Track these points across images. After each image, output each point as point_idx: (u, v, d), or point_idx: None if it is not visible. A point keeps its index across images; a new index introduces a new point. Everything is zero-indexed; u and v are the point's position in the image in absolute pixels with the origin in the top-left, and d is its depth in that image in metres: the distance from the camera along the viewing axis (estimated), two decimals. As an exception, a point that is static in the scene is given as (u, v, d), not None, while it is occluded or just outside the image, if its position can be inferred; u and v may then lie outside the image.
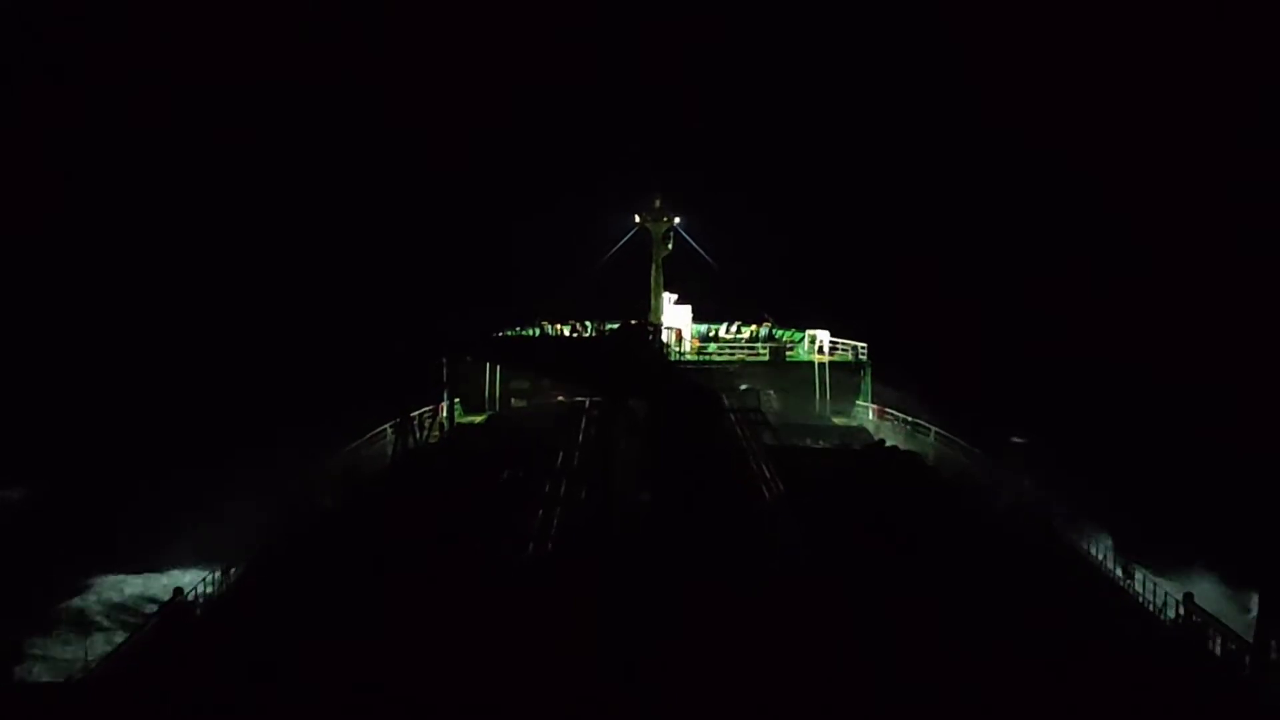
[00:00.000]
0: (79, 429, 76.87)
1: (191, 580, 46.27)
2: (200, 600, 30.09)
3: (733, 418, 49.47)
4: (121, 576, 53.33)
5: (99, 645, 30.45)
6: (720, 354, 65.37)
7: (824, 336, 64.72)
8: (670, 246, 66.56)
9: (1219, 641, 27.46)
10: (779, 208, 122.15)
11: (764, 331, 67.91)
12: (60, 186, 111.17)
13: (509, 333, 62.09)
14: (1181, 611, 29.15)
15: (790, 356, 64.56)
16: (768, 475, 41.15)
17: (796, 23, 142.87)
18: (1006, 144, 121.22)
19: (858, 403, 61.92)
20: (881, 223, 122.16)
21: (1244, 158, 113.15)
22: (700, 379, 56.30)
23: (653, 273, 66.49)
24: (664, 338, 60.71)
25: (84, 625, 45.53)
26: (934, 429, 53.62)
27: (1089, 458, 68.93)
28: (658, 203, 66.27)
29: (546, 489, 39.06)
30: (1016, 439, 50.39)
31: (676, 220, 66.55)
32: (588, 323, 65.40)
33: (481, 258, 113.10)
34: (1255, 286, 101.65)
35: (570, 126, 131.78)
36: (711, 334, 68.38)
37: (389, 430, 48.86)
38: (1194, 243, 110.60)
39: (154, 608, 39.33)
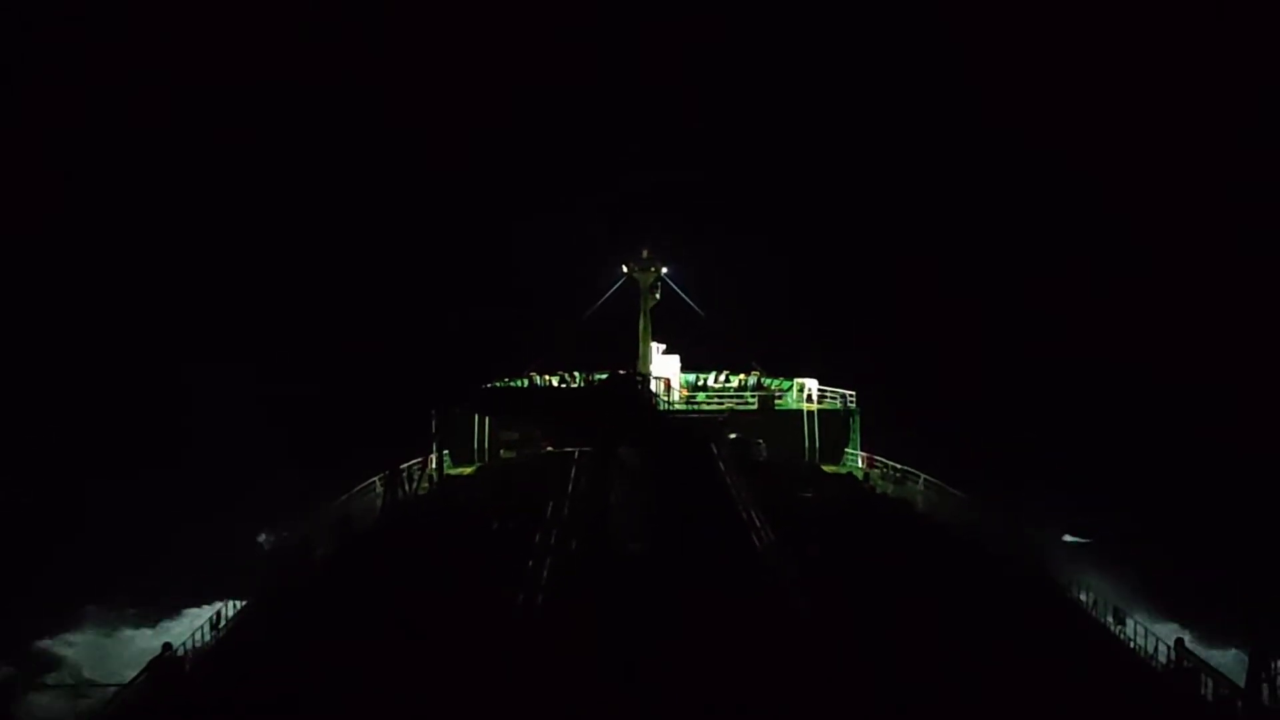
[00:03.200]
0: (66, 446, 76.76)
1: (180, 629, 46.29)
2: (189, 654, 29.93)
3: (721, 466, 49.53)
4: (110, 623, 53.41)
5: (88, 696, 30.24)
6: (709, 403, 65.40)
7: (812, 385, 64.77)
8: (658, 296, 66.65)
9: (1211, 686, 27.45)
10: (772, 231, 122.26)
11: (752, 380, 67.96)
12: (60, 186, 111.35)
13: (498, 384, 62.10)
14: (1173, 657, 29.15)
15: (779, 405, 64.59)
16: (757, 523, 41.16)
17: (796, 23, 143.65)
18: (1006, 144, 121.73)
19: (847, 450, 61.93)
20: (879, 227, 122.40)
21: (1244, 158, 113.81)
22: (689, 428, 56.55)
23: (641, 322, 66.55)
24: (653, 387, 60.80)
25: (73, 674, 45.41)
26: (923, 476, 53.65)
27: (1088, 465, 69.30)
28: (645, 252, 66.41)
29: (537, 539, 39.00)
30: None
31: (664, 270, 66.70)
32: (576, 373, 65.44)
33: (481, 260, 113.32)
34: (1255, 286, 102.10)
35: (570, 127, 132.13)
36: (700, 383, 68.41)
37: (377, 483, 48.76)
38: (1194, 243, 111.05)
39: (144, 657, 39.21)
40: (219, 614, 33.59)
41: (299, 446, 71.43)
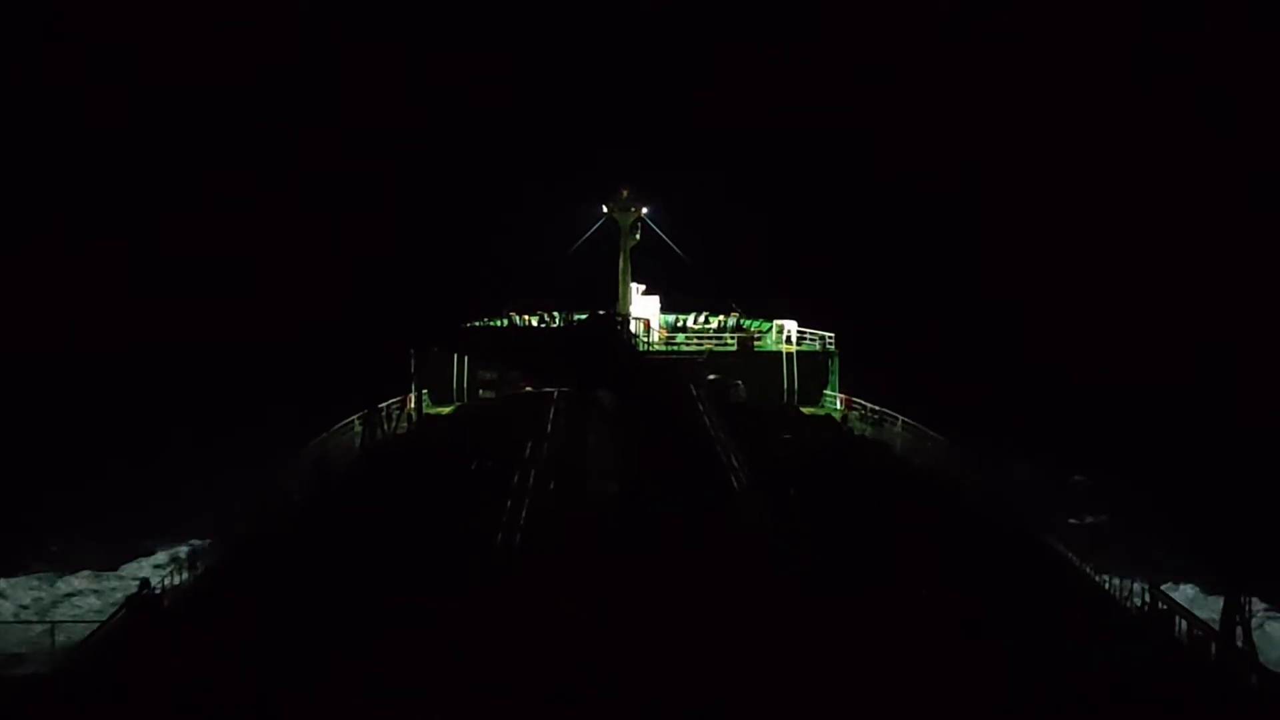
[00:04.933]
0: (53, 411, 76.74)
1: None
2: (168, 591, 29.83)
3: (700, 407, 49.55)
4: (85, 562, 53.45)
5: (64, 634, 30.06)
6: (688, 344, 65.35)
7: (791, 326, 64.79)
8: (638, 236, 66.39)
9: (1185, 629, 27.63)
10: (753, 173, 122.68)
11: (732, 322, 67.93)
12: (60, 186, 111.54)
13: (478, 323, 61.89)
14: (1148, 599, 29.31)
15: (758, 346, 64.63)
16: (735, 465, 41.23)
17: (790, 14, 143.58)
18: (1006, 145, 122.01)
19: (825, 392, 62.02)
20: (873, 220, 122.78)
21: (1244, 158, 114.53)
22: (668, 369, 56.50)
23: (621, 263, 66.34)
24: (632, 328, 60.69)
25: (47, 612, 45.40)
26: (901, 418, 53.70)
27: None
28: (625, 192, 66.03)
29: (515, 480, 39.00)
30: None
31: (644, 210, 66.35)
32: (556, 313, 65.27)
33: (459, 241, 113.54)
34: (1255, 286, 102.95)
35: (561, 112, 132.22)
36: (680, 324, 68.33)
37: (357, 422, 48.62)
38: (1193, 242, 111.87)
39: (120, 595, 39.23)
40: (195, 553, 33.50)
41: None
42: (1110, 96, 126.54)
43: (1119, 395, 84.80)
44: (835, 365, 62.84)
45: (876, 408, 56.49)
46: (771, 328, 66.26)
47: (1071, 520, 58.70)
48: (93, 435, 71.66)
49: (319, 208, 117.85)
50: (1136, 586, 30.28)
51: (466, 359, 60.69)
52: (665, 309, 68.31)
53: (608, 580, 28.47)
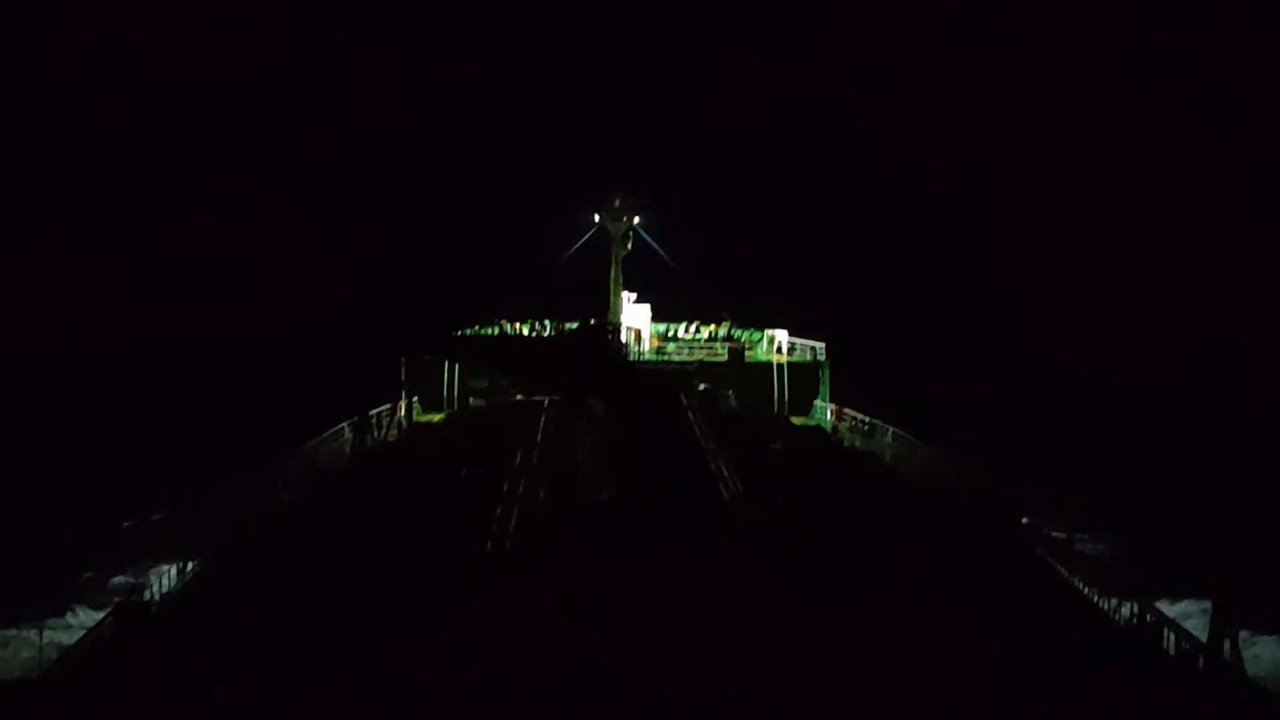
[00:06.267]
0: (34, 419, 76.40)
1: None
2: (156, 598, 29.75)
3: (691, 417, 49.57)
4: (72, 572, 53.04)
5: (52, 639, 29.99)
6: (679, 353, 65.37)
7: (782, 336, 64.86)
8: (630, 246, 66.46)
9: (1172, 640, 27.65)
10: (745, 181, 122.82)
11: (723, 331, 67.97)
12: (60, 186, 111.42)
13: (468, 332, 61.92)
14: (1136, 611, 29.34)
15: (749, 356, 64.64)
16: (725, 474, 41.24)
17: (790, 14, 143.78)
18: (1006, 145, 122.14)
19: (816, 403, 62.04)
20: (869, 220, 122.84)
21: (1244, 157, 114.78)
22: (659, 378, 56.54)
23: (612, 272, 66.37)
24: (623, 337, 60.72)
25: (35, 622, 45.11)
26: (891, 429, 53.74)
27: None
28: (617, 202, 66.12)
29: (505, 487, 39.01)
30: None
31: (636, 220, 66.46)
32: (547, 322, 65.33)
33: (451, 248, 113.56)
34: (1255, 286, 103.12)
35: (561, 112, 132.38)
36: (670, 333, 68.36)
37: (346, 429, 48.57)
38: (1193, 242, 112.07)
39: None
40: (185, 561, 33.39)
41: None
42: (1110, 96, 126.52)
43: (1119, 395, 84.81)
44: (826, 375, 62.86)
45: (866, 418, 56.54)
46: (762, 338, 66.34)
47: (1078, 545, 58.35)
48: (92, 435, 71.42)
49: (319, 208, 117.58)
50: (1125, 609, 30.29)
51: (457, 367, 60.72)
52: (656, 318, 68.32)
53: (605, 580, 28.48)
